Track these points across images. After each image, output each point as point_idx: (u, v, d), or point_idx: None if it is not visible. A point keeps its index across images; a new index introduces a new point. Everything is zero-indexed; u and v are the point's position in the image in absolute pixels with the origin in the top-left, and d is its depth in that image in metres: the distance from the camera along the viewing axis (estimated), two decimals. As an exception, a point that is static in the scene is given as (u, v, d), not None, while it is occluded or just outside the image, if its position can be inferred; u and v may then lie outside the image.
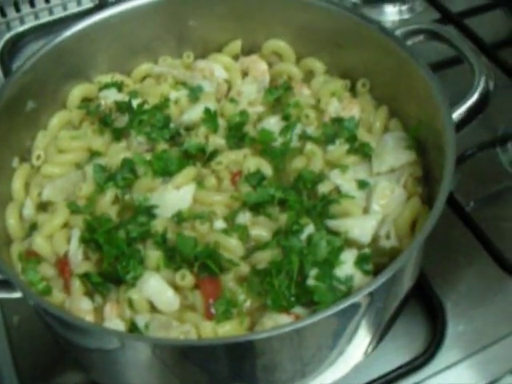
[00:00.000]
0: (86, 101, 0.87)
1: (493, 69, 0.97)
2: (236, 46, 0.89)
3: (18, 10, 1.20)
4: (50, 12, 1.21)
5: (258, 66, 0.88)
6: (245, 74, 0.89)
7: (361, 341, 0.69)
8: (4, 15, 1.19)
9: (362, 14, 0.82)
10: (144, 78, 0.90)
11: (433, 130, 0.74)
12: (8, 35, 1.16)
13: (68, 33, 0.83)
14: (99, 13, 0.85)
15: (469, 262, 0.83)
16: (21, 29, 1.17)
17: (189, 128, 0.82)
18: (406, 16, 1.16)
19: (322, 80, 0.86)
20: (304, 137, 0.81)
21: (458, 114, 0.74)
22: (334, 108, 0.82)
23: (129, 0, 0.86)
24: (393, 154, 0.77)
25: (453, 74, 0.95)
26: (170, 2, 0.86)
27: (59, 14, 1.20)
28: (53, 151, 0.82)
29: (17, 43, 1.15)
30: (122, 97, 0.85)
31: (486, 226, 0.84)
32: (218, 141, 0.80)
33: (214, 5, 0.86)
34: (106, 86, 0.86)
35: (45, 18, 1.19)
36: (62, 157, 0.82)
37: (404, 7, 1.17)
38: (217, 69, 0.86)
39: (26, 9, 1.20)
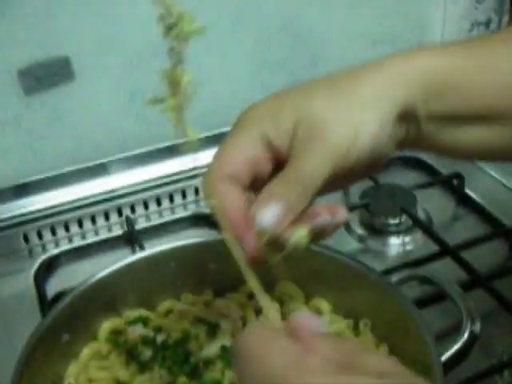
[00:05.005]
0: (115, 333, 0.94)
1: (488, 299, 1.05)
2: (251, 286, 0.99)
3: (53, 233, 1.30)
4: (83, 236, 1.31)
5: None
6: (259, 311, 0.96)
7: None
8: (41, 237, 1.30)
9: (362, 263, 0.91)
10: (168, 312, 0.98)
11: (426, 369, 0.79)
12: (43, 257, 1.25)
13: (104, 273, 0.93)
14: (132, 256, 0.96)
15: None
16: (55, 251, 1.26)
17: (206, 362, 0.89)
18: (409, 247, 1.25)
19: (329, 319, 0.94)
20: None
21: (446, 356, 0.82)
22: (338, 347, 0.90)
23: (158, 245, 0.97)
24: (391, 391, 0.84)
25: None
26: (194, 247, 0.96)
27: (91, 238, 1.30)
28: (83, 380, 0.89)
29: (51, 265, 1.24)
30: (146, 331, 0.93)
31: None
32: (233, 375, 0.86)
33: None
34: (134, 321, 0.94)
35: (78, 242, 1.29)
36: (91, 386, 0.89)
37: (407, 239, 1.26)
38: (233, 308, 0.95)
39: (61, 232, 1.31)
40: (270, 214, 0.65)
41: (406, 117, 0.72)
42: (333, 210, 0.71)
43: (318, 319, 0.58)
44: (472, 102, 0.72)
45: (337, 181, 0.72)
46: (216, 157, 0.70)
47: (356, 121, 0.69)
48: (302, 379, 0.49)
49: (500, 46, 0.74)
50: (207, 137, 1.34)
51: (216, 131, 1.34)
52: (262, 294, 0.64)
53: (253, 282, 0.66)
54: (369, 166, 0.73)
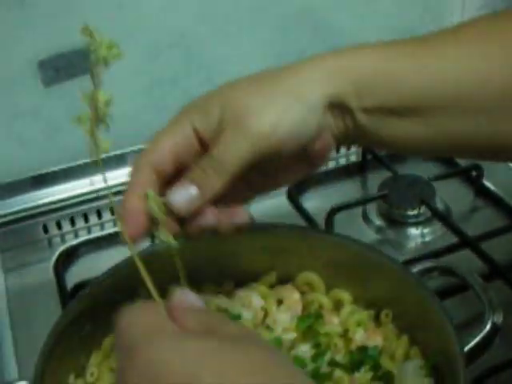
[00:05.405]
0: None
1: (507, 290, 1.06)
2: (272, 276, 0.99)
3: (73, 223, 1.31)
4: (102, 227, 1.32)
5: (292, 295, 0.96)
6: (279, 301, 0.97)
7: None
8: (60, 228, 1.30)
9: (384, 253, 0.92)
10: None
11: (448, 359, 0.80)
12: (63, 247, 1.26)
13: (125, 263, 0.93)
14: (152, 246, 0.96)
15: None
16: (75, 242, 1.28)
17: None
18: (428, 238, 1.25)
19: (350, 310, 0.94)
20: (333, 363, 0.87)
21: (468, 347, 0.82)
22: (359, 337, 0.90)
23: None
24: (412, 381, 0.84)
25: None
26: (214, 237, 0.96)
27: (110, 229, 1.31)
28: (105, 369, 0.90)
29: (70, 255, 1.25)
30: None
31: None
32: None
33: (253, 240, 0.96)
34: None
35: (97, 233, 1.31)
36: (114, 375, 0.89)
37: (426, 230, 1.26)
38: (254, 297, 0.95)
39: (80, 223, 1.32)
40: (179, 196, 0.70)
41: (340, 108, 0.73)
42: (233, 211, 0.76)
43: (193, 295, 0.64)
44: (404, 98, 0.72)
45: (269, 175, 0.76)
46: (145, 147, 0.75)
47: (279, 107, 0.70)
48: (152, 344, 0.53)
49: (451, 47, 0.73)
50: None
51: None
52: (152, 288, 0.71)
53: (144, 274, 0.74)
54: (302, 158, 0.75)
